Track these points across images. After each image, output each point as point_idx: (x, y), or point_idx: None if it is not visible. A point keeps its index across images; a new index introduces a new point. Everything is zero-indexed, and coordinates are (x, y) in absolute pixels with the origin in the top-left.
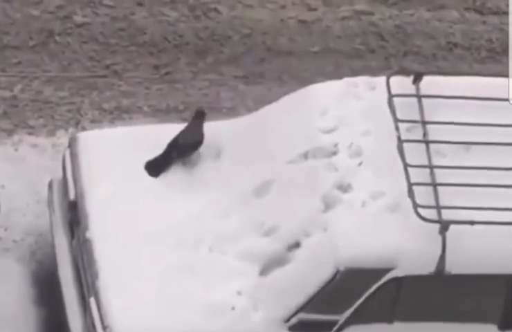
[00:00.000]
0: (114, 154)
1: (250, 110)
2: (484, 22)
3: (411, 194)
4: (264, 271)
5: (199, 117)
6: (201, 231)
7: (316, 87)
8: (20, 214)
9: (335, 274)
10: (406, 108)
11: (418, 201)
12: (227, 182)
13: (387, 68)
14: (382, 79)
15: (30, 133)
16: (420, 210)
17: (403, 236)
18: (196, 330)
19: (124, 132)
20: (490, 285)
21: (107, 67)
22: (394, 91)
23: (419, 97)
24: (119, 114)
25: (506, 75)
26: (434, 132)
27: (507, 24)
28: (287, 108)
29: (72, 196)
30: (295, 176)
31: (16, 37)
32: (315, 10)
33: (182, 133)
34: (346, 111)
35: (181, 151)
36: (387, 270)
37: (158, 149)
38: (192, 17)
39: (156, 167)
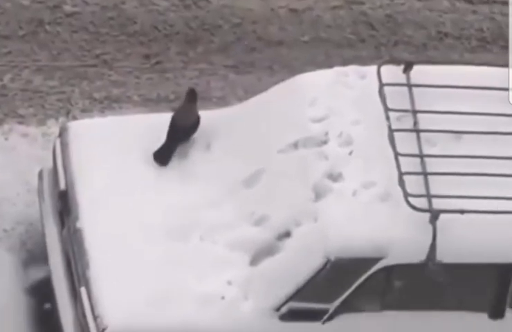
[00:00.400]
0: (104, 144)
1: (240, 99)
2: (475, 11)
3: (401, 183)
4: (255, 260)
5: (192, 97)
6: (192, 221)
7: (306, 76)
8: (10, 203)
9: (326, 264)
10: (397, 97)
11: (409, 190)
12: (218, 172)
13: (378, 58)
14: (373, 68)
15: (20, 123)
16: (410, 199)
17: (394, 225)
18: (186, 319)
19: (115, 121)
20: (480, 274)
21: (97, 56)
22: (384, 80)
23: (410, 86)
24: (109, 103)
25: (497, 64)
26: (425, 121)
27: (497, 13)
28: (277, 97)
29: (62, 185)
30: (286, 166)
31: (6, 26)
32: None
33: (179, 116)
34: (336, 100)
35: (182, 134)
36: (378, 259)
37: (148, 139)
38: (182, 6)
39: (163, 156)
